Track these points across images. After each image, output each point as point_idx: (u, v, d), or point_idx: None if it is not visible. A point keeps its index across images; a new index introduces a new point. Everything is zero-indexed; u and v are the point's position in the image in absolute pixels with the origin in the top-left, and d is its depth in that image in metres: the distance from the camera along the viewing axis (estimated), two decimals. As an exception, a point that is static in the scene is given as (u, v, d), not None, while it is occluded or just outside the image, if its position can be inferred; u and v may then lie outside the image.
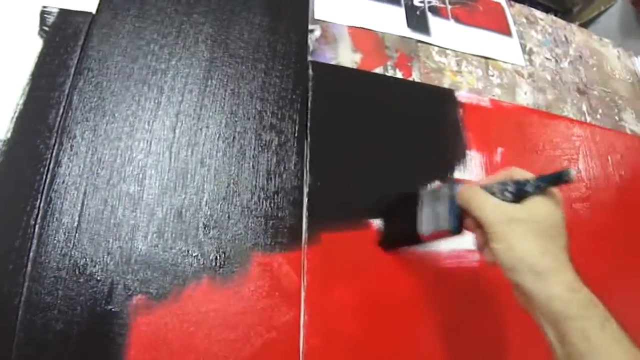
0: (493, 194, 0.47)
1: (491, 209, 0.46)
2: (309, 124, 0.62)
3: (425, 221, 0.54)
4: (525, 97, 0.80)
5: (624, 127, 0.86)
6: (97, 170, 0.53)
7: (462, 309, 0.60)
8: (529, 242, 0.43)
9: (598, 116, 0.85)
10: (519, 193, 0.46)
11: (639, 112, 0.90)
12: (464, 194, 0.49)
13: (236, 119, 0.60)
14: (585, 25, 1.28)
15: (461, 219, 0.50)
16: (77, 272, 0.48)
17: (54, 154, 0.52)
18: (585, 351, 0.39)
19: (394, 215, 0.60)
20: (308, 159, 0.60)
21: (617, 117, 0.87)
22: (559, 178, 0.44)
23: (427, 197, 0.55)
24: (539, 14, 0.92)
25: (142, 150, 0.55)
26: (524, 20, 0.89)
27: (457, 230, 0.51)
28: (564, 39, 0.91)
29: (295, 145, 0.61)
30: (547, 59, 0.87)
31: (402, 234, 0.58)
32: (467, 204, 0.48)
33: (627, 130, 0.87)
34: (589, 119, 0.83)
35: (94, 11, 0.61)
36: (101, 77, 0.57)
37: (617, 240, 0.75)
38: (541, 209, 0.44)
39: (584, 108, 0.84)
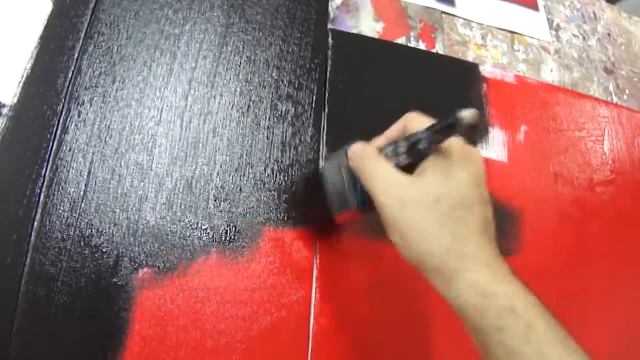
0: (388, 158, 0.37)
1: (381, 182, 0.36)
2: (327, 95, 0.57)
3: (330, 202, 0.44)
4: (550, 74, 0.73)
5: (651, 109, 0.80)
6: (105, 138, 0.48)
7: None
8: (429, 235, 0.34)
9: (625, 97, 0.78)
10: (412, 152, 0.36)
11: (667, 93, 0.83)
12: (354, 158, 0.39)
13: (251, 88, 0.55)
14: (612, 2, 1.20)
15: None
16: (82, 243, 0.44)
17: (61, 121, 0.48)
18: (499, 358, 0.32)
19: (311, 196, 0.49)
20: (325, 131, 0.55)
21: (644, 98, 0.80)
22: (451, 126, 0.32)
23: (327, 171, 0.45)
24: (567, -12, 0.85)
25: (153, 118, 0.50)
26: (553, -6, 0.83)
27: (364, 206, 0.40)
28: (592, 15, 0.84)
29: (312, 116, 0.56)
30: (574, 35, 0.80)
31: (325, 219, 0.47)
32: (358, 173, 0.38)
33: (655, 112, 0.80)
34: (615, 100, 0.77)
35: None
36: (112, 42, 0.53)
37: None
38: (439, 181, 0.34)
39: (611, 88, 0.78)
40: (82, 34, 0.52)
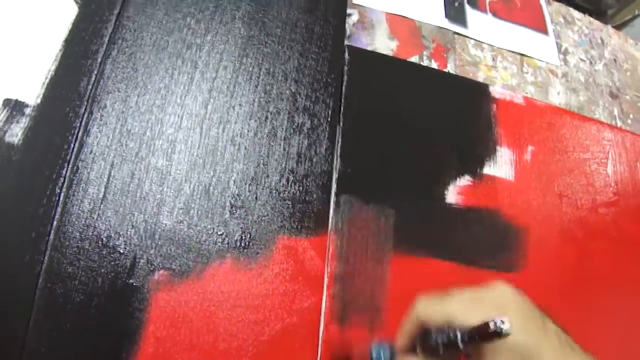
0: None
1: None
2: (342, 109, 0.58)
3: None
4: (558, 97, 0.75)
5: (654, 135, 0.81)
6: (126, 141, 0.49)
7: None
8: None
9: (629, 121, 0.79)
10: (448, 348, 0.35)
11: (670, 119, 0.84)
12: None
13: (269, 99, 0.56)
14: (618, 28, 1.22)
15: None
16: (100, 244, 0.45)
17: (83, 123, 0.49)
18: None
19: None
20: (339, 145, 0.56)
21: (647, 124, 0.81)
22: (488, 333, 0.31)
23: None
24: (576, 14, 0.86)
25: (173, 124, 0.51)
26: (561, 19, 0.84)
27: None
28: (599, 41, 0.86)
29: (327, 129, 0.57)
30: (581, 60, 0.81)
31: None
32: None
33: (658, 138, 0.81)
34: (619, 124, 0.78)
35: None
36: (135, 48, 0.53)
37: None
38: (502, 357, 0.33)
39: (615, 112, 0.79)
40: (106, 39, 0.53)
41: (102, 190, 0.47)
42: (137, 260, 0.45)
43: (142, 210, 0.47)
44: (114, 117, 0.50)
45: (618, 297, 0.64)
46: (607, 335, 0.60)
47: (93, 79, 0.51)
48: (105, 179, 0.47)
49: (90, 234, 0.45)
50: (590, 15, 0.91)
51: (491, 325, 0.30)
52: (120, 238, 0.46)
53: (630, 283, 0.66)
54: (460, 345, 0.34)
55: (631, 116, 0.80)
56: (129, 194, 0.47)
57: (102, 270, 0.44)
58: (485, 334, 0.31)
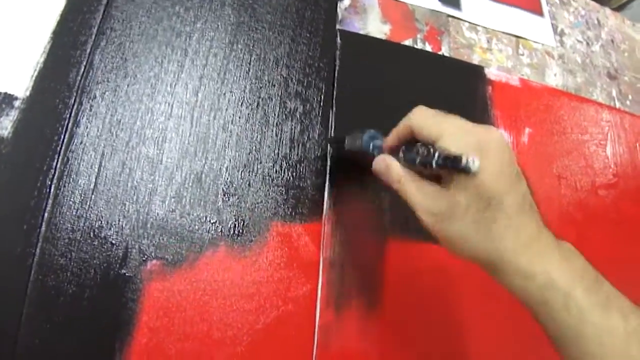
0: (408, 164, 0.38)
1: (416, 200, 0.37)
2: (334, 93, 0.57)
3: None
4: (554, 78, 0.74)
5: (653, 115, 0.80)
6: (116, 131, 0.48)
7: (485, 301, 0.55)
8: (467, 244, 0.35)
9: (628, 102, 0.78)
10: (425, 164, 0.36)
11: (670, 100, 0.83)
12: (381, 174, 0.40)
13: (261, 85, 0.55)
14: (617, 10, 1.20)
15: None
16: (91, 235, 0.44)
17: (72, 114, 0.48)
18: (556, 336, 0.35)
19: None
20: (333, 129, 0.55)
21: (646, 104, 0.80)
22: (458, 166, 0.32)
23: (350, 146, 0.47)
24: (572, -5, 0.85)
25: (163, 113, 0.51)
26: (557, 0, 0.83)
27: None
28: (596, 22, 0.84)
29: (320, 114, 0.56)
30: (578, 41, 0.80)
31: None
32: (387, 182, 0.40)
33: (657, 118, 0.80)
34: (618, 105, 0.77)
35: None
36: (124, 38, 0.53)
37: (640, 231, 0.69)
38: (462, 187, 0.34)
39: (614, 93, 0.78)
40: (95, 30, 0.52)
41: (93, 180, 0.46)
42: (129, 250, 0.45)
43: (133, 200, 0.46)
44: (103, 107, 0.49)
45: (618, 279, 0.63)
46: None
47: (82, 70, 0.50)
48: (96, 170, 0.47)
49: (82, 225, 0.44)
50: (588, -3, 0.90)
51: (463, 159, 0.32)
52: (112, 228, 0.45)
53: (630, 264, 0.65)
54: (434, 165, 0.34)
55: (630, 97, 0.79)
56: (120, 183, 0.47)
57: (94, 261, 0.43)
58: (455, 165, 0.32)
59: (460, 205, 0.34)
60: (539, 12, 0.79)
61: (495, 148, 0.35)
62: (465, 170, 0.32)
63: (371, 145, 0.44)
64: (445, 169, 0.34)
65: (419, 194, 0.37)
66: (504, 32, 0.74)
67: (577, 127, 0.71)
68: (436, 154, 0.34)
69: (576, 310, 0.33)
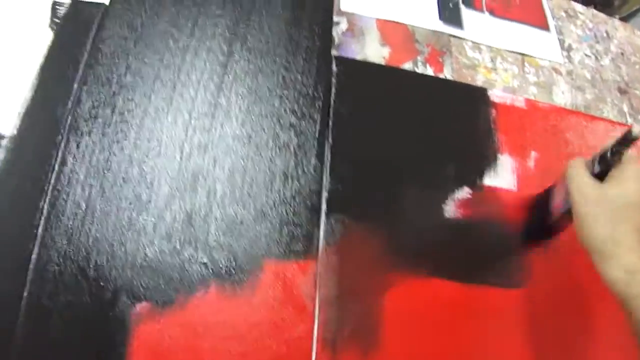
0: (589, 167, 0.48)
1: (577, 184, 0.47)
2: (330, 124, 0.57)
3: (557, 202, 0.54)
4: (562, 96, 0.73)
5: (667, 130, 0.78)
6: (104, 170, 0.49)
7: (480, 331, 0.54)
8: (597, 225, 0.44)
9: (640, 117, 0.77)
10: (602, 161, 0.46)
11: (684, 113, 0.81)
12: (569, 169, 0.49)
13: (253, 118, 0.55)
14: (625, 19, 1.19)
15: None
16: (79, 277, 0.44)
17: (60, 152, 0.48)
18: None
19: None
20: (329, 162, 0.55)
21: (660, 119, 0.79)
22: (625, 137, 0.43)
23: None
24: (579, 7, 0.84)
25: (152, 150, 0.51)
26: (563, 14, 0.82)
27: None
28: (605, 34, 0.83)
29: (315, 146, 0.56)
30: (586, 55, 0.79)
31: (538, 220, 0.58)
32: (567, 178, 0.49)
33: (671, 134, 0.78)
34: (630, 121, 0.76)
35: (107, 2, 0.56)
36: (111, 73, 0.53)
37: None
38: (616, 186, 0.45)
39: (625, 109, 0.77)
40: (82, 65, 0.53)
41: (81, 220, 0.46)
42: (118, 292, 0.45)
43: (121, 241, 0.47)
44: (91, 145, 0.50)
45: None
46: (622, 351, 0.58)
47: (69, 106, 0.51)
48: (84, 209, 0.47)
49: (70, 266, 0.44)
50: (596, 7, 0.89)
51: (634, 129, 0.43)
52: (101, 270, 0.45)
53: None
54: (609, 155, 0.45)
55: (643, 112, 0.78)
56: (108, 224, 0.47)
57: (83, 303, 0.44)
58: (625, 136, 0.44)
59: (608, 197, 0.45)
60: (545, 27, 0.78)
61: None
62: (630, 136, 0.43)
63: None
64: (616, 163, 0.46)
65: (582, 182, 0.47)
66: (508, 50, 0.73)
67: (586, 148, 0.70)
68: (611, 144, 0.46)
69: None
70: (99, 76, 0.52)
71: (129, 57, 0.54)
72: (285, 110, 0.56)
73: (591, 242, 0.45)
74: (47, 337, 0.42)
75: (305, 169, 0.54)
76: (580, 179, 0.47)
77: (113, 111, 0.51)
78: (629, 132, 0.43)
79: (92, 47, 0.54)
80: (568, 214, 0.50)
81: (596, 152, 0.48)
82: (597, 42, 0.82)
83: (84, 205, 0.47)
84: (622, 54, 0.82)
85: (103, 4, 0.57)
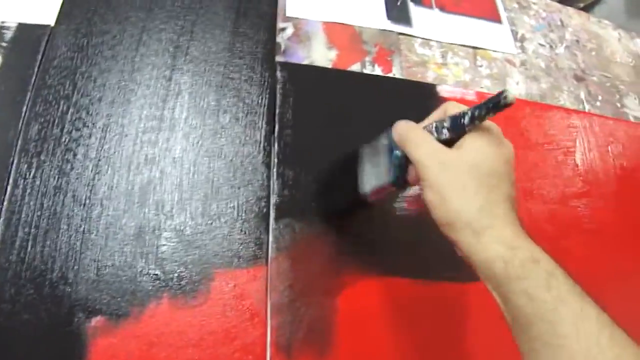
0: (430, 133, 0.42)
1: (424, 148, 0.40)
2: (276, 130, 0.58)
3: (367, 179, 0.48)
4: (517, 87, 0.74)
5: (626, 114, 0.80)
6: (55, 189, 0.50)
7: (437, 327, 0.56)
8: (465, 194, 0.38)
9: (598, 103, 0.79)
10: (455, 127, 0.40)
11: (643, 96, 0.83)
12: (398, 130, 0.43)
13: (198, 129, 0.56)
14: (591, 6, 1.20)
15: (403, 168, 0.44)
16: (35, 295, 0.45)
17: (11, 175, 0.49)
18: (530, 313, 0.35)
19: (337, 180, 0.55)
20: (275, 168, 0.56)
21: (618, 104, 0.80)
22: (496, 102, 0.37)
23: (366, 152, 0.49)
24: (532, -3, 0.85)
25: (101, 166, 0.52)
26: (515, 5, 0.83)
27: (398, 181, 0.45)
28: (559, 22, 0.85)
29: (261, 153, 0.57)
30: (540, 45, 0.80)
31: (347, 198, 0.52)
32: (402, 143, 0.42)
33: (630, 117, 0.80)
34: (587, 107, 0.77)
35: (52, 23, 0.58)
36: (59, 93, 0.54)
37: (620, 238, 0.69)
38: (479, 151, 0.39)
39: (582, 95, 0.78)
40: (31, 86, 0.54)
41: (34, 240, 0.47)
42: (73, 307, 0.46)
43: (75, 258, 0.48)
44: (41, 165, 0.51)
45: (599, 293, 0.63)
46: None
47: (19, 128, 0.52)
48: (36, 230, 0.48)
49: (25, 286, 0.46)
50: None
51: (503, 93, 0.36)
52: (55, 287, 0.46)
53: (610, 275, 0.65)
54: (469, 114, 0.39)
55: (600, 97, 0.79)
56: (61, 242, 0.48)
57: (37, 320, 0.45)
58: (496, 98, 0.37)
59: (470, 162, 0.38)
60: (497, 20, 0.79)
61: (510, 147, 0.41)
62: (506, 100, 0.36)
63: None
64: (468, 127, 0.39)
65: (432, 146, 0.40)
66: (460, 45, 0.74)
67: (542, 137, 0.71)
68: (470, 109, 0.39)
69: (556, 290, 0.35)
70: (47, 97, 0.53)
71: (76, 77, 0.55)
72: (230, 119, 0.57)
73: (461, 215, 0.38)
74: (7, 357, 0.43)
75: (253, 177, 0.55)
76: (429, 145, 0.40)
77: (62, 131, 0.53)
78: (504, 96, 0.36)
79: (39, 69, 0.55)
80: (396, 185, 0.45)
81: (435, 116, 0.44)
82: (552, 30, 0.83)
83: (36, 225, 0.48)
84: (577, 41, 0.84)
85: (49, 25, 0.58)
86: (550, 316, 0.34)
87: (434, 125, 0.42)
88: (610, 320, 0.35)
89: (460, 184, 0.38)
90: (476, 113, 0.38)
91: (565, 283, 0.35)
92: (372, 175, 0.48)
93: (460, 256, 0.40)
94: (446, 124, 0.41)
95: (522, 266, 0.36)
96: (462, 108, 0.41)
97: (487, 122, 0.40)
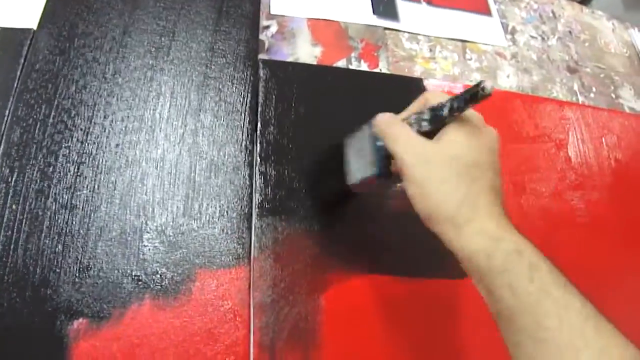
0: (410, 125, 0.42)
1: (404, 142, 0.40)
2: (259, 129, 0.58)
3: (352, 170, 0.48)
4: (507, 80, 0.74)
5: (621, 105, 0.79)
6: (37, 193, 0.51)
7: (424, 325, 0.56)
8: (446, 187, 0.38)
9: (592, 95, 0.78)
10: (435, 119, 0.40)
11: (638, 87, 0.82)
12: (379, 124, 0.44)
13: (180, 130, 0.57)
14: (585, 2, 1.18)
15: (387, 159, 0.44)
16: (17, 300, 0.46)
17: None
18: (514, 306, 0.35)
19: (323, 173, 0.56)
20: (258, 167, 0.56)
21: (613, 95, 0.80)
22: (474, 93, 0.37)
23: (350, 143, 0.50)
24: (523, -11, 0.85)
25: (83, 169, 0.53)
26: (506, -3, 0.83)
27: (383, 173, 0.44)
28: (551, 14, 0.84)
29: (243, 152, 0.57)
30: (532, 37, 0.80)
31: (333, 190, 0.53)
32: (382, 136, 0.43)
33: (625, 108, 0.80)
34: (581, 99, 0.77)
35: (34, 27, 0.58)
36: (41, 96, 0.55)
37: (615, 231, 0.69)
38: (459, 142, 0.39)
39: (575, 87, 0.78)
40: (13, 91, 0.54)
41: (15, 245, 0.48)
42: (55, 310, 0.46)
43: (56, 260, 0.48)
44: (23, 169, 0.51)
45: (593, 287, 0.63)
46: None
47: (2, 131, 0.52)
48: (18, 234, 0.48)
49: (4, 288, 0.46)
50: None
51: (481, 84, 0.36)
52: (36, 289, 0.47)
53: (605, 269, 0.65)
54: (449, 106, 0.39)
55: (593, 89, 0.79)
56: (43, 246, 0.48)
57: (19, 323, 0.45)
58: (473, 90, 0.37)
59: (450, 154, 0.38)
60: (487, 12, 0.79)
61: (493, 135, 0.41)
62: (484, 92, 0.36)
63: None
64: (447, 119, 0.40)
65: (411, 139, 0.40)
66: (448, 38, 0.74)
67: (534, 129, 0.71)
68: (449, 101, 0.39)
69: (539, 282, 0.35)
70: (29, 101, 0.54)
71: (58, 80, 0.56)
72: (211, 119, 0.58)
73: (442, 208, 0.38)
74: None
75: (234, 176, 0.56)
76: (407, 138, 0.40)
77: (44, 134, 0.53)
78: (482, 87, 0.36)
79: (22, 73, 0.55)
80: (382, 176, 0.45)
81: (416, 109, 0.44)
82: (543, 22, 0.83)
83: (18, 229, 0.49)
84: (570, 32, 0.83)
85: (31, 29, 0.58)
86: (534, 309, 0.34)
87: (414, 117, 0.42)
88: (595, 310, 0.35)
89: (441, 177, 0.38)
90: (455, 105, 0.39)
91: (549, 273, 0.35)
92: (357, 167, 0.48)
93: (446, 249, 0.40)
94: (425, 116, 0.41)
95: (505, 258, 0.36)
96: (443, 97, 0.41)
97: (468, 112, 0.40)
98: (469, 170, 0.38)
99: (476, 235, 0.37)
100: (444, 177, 0.38)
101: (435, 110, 0.40)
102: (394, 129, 0.42)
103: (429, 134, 0.41)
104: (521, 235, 0.38)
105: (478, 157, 0.39)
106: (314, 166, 0.57)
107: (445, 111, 0.39)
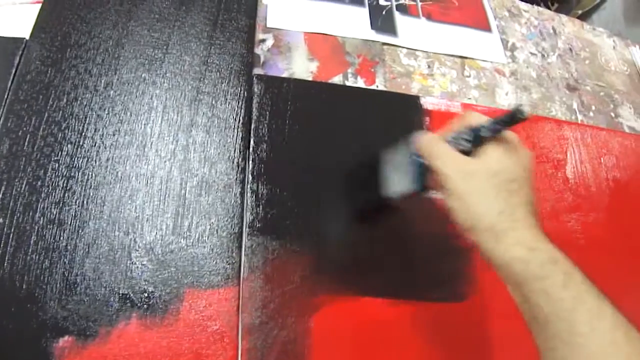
0: (449, 144, 0.45)
1: (446, 160, 0.43)
2: (252, 146, 0.58)
3: (391, 185, 0.52)
4: (506, 97, 0.74)
5: (620, 124, 0.80)
6: (26, 208, 0.50)
7: (414, 348, 0.56)
8: (486, 199, 0.41)
9: (591, 113, 0.78)
10: (475, 140, 0.43)
11: (638, 106, 0.82)
12: (420, 143, 0.46)
13: (171, 146, 0.57)
14: (588, 14, 1.18)
15: (425, 175, 0.48)
16: (3, 316, 0.46)
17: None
18: (549, 312, 0.38)
19: (358, 186, 0.59)
20: (249, 185, 0.56)
21: (612, 114, 0.80)
22: (512, 117, 0.40)
23: (389, 158, 0.53)
24: (523, 5, 0.85)
25: (72, 185, 0.52)
26: (506, 13, 0.83)
27: (422, 188, 0.49)
28: (551, 31, 0.84)
29: (235, 170, 0.57)
30: (532, 54, 0.80)
31: (371, 204, 0.57)
32: (424, 154, 0.46)
33: (625, 128, 0.80)
34: (580, 118, 0.77)
35: (27, 36, 0.58)
36: (32, 107, 0.55)
37: (613, 253, 0.69)
38: (498, 159, 0.42)
39: (575, 105, 0.78)
40: (4, 101, 0.54)
41: (1, 256, 0.48)
42: (41, 326, 0.46)
43: (43, 277, 0.48)
44: (12, 182, 0.51)
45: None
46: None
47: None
48: (5, 250, 0.48)
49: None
50: (554, 3, 0.90)
51: (525, 108, 0.40)
52: (22, 305, 0.47)
53: (603, 290, 0.65)
54: (487, 126, 0.42)
55: (593, 108, 0.79)
56: (30, 262, 0.48)
57: (4, 339, 0.45)
58: (511, 114, 0.40)
59: (490, 170, 0.42)
60: (486, 28, 0.79)
61: (529, 156, 0.44)
62: (522, 115, 0.40)
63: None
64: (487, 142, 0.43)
65: (453, 157, 0.43)
66: (447, 55, 0.74)
67: (531, 149, 0.71)
68: (490, 122, 0.42)
69: (574, 290, 0.38)
70: (19, 112, 0.54)
71: (49, 91, 0.56)
72: (203, 135, 0.58)
73: (482, 220, 0.41)
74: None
75: (225, 194, 0.55)
76: (451, 156, 0.44)
77: (33, 147, 0.53)
78: (519, 111, 0.40)
79: (12, 83, 0.55)
80: (417, 193, 0.49)
81: (456, 129, 0.46)
82: (544, 39, 0.83)
83: (5, 243, 0.49)
84: (570, 49, 0.83)
85: (23, 38, 0.58)
86: (568, 315, 0.37)
87: (452, 136, 0.45)
88: (625, 319, 0.37)
89: (482, 191, 0.41)
90: (495, 127, 0.42)
91: (582, 283, 0.38)
92: (396, 181, 0.52)
93: (481, 257, 0.43)
94: (466, 136, 0.44)
95: (541, 266, 0.39)
96: (481, 119, 0.44)
97: (506, 132, 0.43)
98: (508, 185, 0.41)
99: (514, 245, 0.40)
100: (485, 191, 0.41)
101: (476, 131, 0.43)
102: (437, 147, 0.45)
103: (467, 152, 0.44)
104: (555, 246, 0.40)
105: (515, 173, 0.42)
106: (350, 179, 0.60)
107: (486, 132, 0.42)
